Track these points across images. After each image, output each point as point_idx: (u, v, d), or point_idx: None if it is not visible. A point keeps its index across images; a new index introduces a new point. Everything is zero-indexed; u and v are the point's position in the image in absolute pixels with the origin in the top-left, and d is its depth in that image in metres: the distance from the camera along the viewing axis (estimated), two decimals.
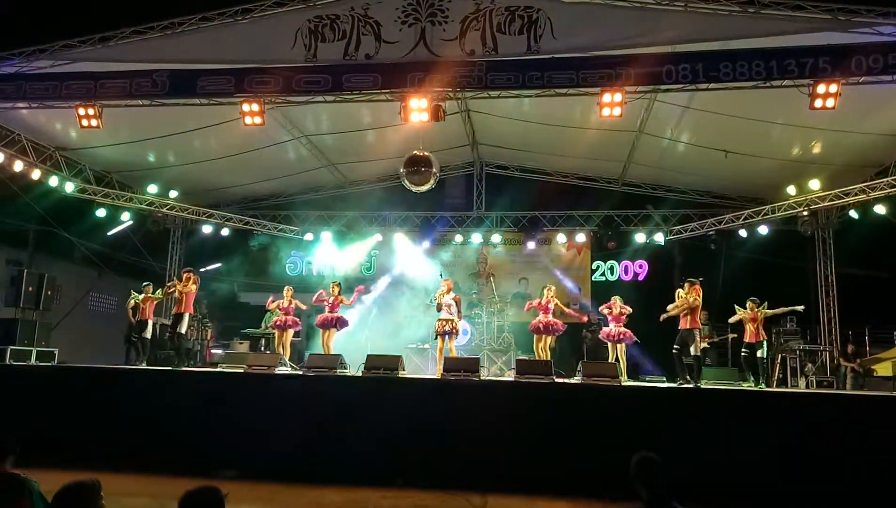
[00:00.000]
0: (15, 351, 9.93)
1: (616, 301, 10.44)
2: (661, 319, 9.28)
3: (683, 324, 8.96)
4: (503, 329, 13.05)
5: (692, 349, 8.90)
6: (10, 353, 9.80)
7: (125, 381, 8.54)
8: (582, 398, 7.62)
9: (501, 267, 14.68)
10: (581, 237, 14.16)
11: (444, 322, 9.56)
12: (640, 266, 14.10)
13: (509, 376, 10.56)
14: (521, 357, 10.44)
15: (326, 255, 15.21)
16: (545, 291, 10.25)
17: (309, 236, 14.91)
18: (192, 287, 10.08)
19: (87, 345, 13.34)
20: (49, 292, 11.24)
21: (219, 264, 15.30)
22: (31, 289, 10.94)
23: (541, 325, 9.99)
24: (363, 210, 14.86)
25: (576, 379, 8.55)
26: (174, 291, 10.17)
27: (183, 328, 10.10)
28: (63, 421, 8.01)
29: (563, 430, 7.29)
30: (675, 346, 9.07)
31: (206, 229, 14.28)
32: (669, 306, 9.19)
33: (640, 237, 13.80)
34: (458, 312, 9.71)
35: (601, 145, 11.92)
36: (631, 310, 10.41)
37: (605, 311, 10.42)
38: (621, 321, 10.30)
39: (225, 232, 14.35)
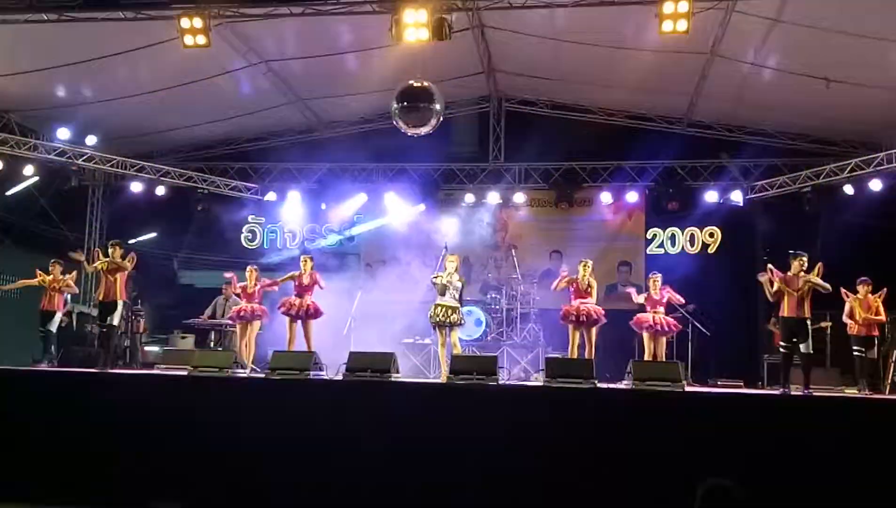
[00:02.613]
0: None
1: (656, 280, 10.42)
2: (773, 324, 9.19)
3: (793, 310, 8.87)
4: (528, 319, 13.09)
5: (803, 346, 8.82)
6: None
7: (32, 387, 8.55)
8: (634, 409, 7.60)
9: (526, 236, 14.73)
10: (633, 196, 14.20)
11: (447, 310, 9.54)
12: (711, 235, 14.11)
13: (537, 379, 10.61)
14: (552, 355, 10.47)
15: (295, 221, 15.19)
16: (582, 267, 10.20)
17: (271, 196, 14.91)
18: (127, 265, 10.07)
19: None
20: None
21: (152, 234, 15.32)
22: None
23: (577, 312, 9.95)
24: (343, 162, 14.83)
25: (624, 384, 8.55)
26: (98, 268, 10.15)
27: (115, 320, 10.13)
28: None
29: (609, 452, 7.28)
30: (783, 343, 9.01)
31: (136, 188, 14.29)
32: (772, 285, 9.02)
33: (710, 196, 13.76)
34: (461, 297, 9.68)
35: (660, 73, 11.82)
36: (680, 299, 10.38)
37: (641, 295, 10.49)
38: (661, 305, 10.29)
39: (160, 191, 14.37)
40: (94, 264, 10.35)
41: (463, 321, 9.74)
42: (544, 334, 12.77)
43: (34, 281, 10.63)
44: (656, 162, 14.14)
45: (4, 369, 9.20)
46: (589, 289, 10.09)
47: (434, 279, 9.70)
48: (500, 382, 8.34)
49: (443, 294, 9.58)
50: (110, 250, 10.26)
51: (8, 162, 12.84)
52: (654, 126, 14.04)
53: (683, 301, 10.62)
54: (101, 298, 10.23)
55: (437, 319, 9.56)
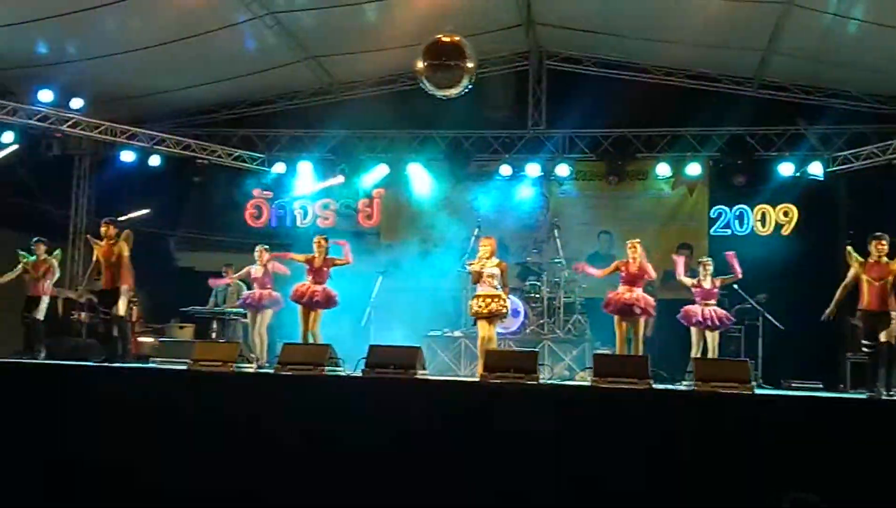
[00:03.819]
0: None
1: (706, 265, 10.33)
2: (828, 314, 9.07)
3: (875, 302, 8.76)
4: (573, 309, 13.07)
5: (883, 335, 8.66)
6: None
7: (14, 381, 8.69)
8: (696, 414, 7.53)
9: (571, 214, 14.63)
10: (694, 169, 14.13)
11: (486, 300, 9.55)
12: (786, 213, 14.01)
13: (583, 378, 10.57)
14: (600, 351, 10.43)
15: (306, 195, 15.25)
16: (630, 249, 10.14)
17: (279, 168, 14.97)
18: (124, 247, 10.11)
19: None
20: None
21: (145, 211, 15.43)
22: None
23: (618, 301, 9.85)
24: (360, 128, 14.85)
25: (684, 385, 8.48)
26: (100, 251, 10.22)
27: (121, 309, 10.19)
28: None
29: (667, 461, 7.23)
30: (864, 341, 8.88)
31: (127, 157, 14.41)
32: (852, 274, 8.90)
33: (785, 169, 13.63)
34: (504, 284, 9.70)
35: (728, 25, 11.71)
36: (733, 279, 10.22)
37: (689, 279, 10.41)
38: (713, 295, 10.14)
39: (154, 161, 14.48)
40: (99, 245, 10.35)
41: (505, 311, 9.73)
42: (592, 326, 12.72)
43: (16, 273, 10.64)
44: (722, 129, 14.06)
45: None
46: (640, 274, 10.01)
47: (467, 267, 9.71)
48: (541, 381, 8.30)
49: (477, 282, 9.63)
50: (102, 229, 10.32)
51: None
52: (720, 88, 13.91)
53: (739, 274, 10.42)
54: (105, 284, 10.25)
55: (475, 309, 9.61)
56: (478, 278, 9.61)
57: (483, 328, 9.60)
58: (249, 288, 11.12)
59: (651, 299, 10.08)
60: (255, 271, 10.86)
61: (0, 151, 13.58)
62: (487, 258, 9.65)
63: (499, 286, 9.60)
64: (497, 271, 9.62)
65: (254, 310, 10.74)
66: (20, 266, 10.62)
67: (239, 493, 7.60)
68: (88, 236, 10.96)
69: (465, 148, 14.74)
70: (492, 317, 9.56)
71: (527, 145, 14.60)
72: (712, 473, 7.08)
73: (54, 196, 14.93)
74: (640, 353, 9.59)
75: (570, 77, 14.36)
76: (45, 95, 13.16)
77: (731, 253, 10.44)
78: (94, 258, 10.41)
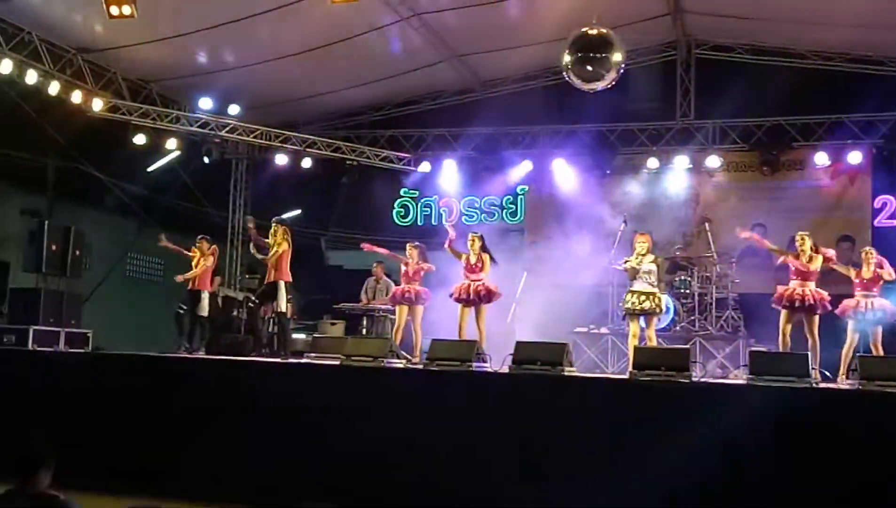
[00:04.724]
0: (39, 332, 10.98)
1: (869, 254, 9.75)
2: None
3: None
4: (726, 305, 12.81)
5: None
6: (33, 335, 10.85)
7: (182, 375, 9.17)
8: (862, 415, 7.18)
9: (722, 208, 14.41)
10: (856, 157, 13.68)
11: (641, 297, 9.47)
12: None
13: (736, 377, 10.25)
14: (756, 348, 10.10)
15: (451, 193, 15.41)
16: (800, 241, 9.67)
17: (425, 167, 15.19)
18: (284, 244, 10.45)
19: (126, 323, 14.57)
20: (77, 252, 12.31)
21: (297, 211, 15.94)
22: (54, 248, 11.99)
23: (793, 297, 9.48)
24: (504, 125, 14.93)
25: (847, 383, 8.20)
26: (266, 248, 10.58)
27: (282, 305, 10.52)
28: (106, 429, 8.74)
29: (833, 468, 6.92)
30: None
31: (280, 160, 15.00)
32: None
33: None
34: (660, 280, 9.65)
35: (891, 4, 11.20)
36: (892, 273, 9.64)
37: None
38: (874, 287, 9.59)
39: (306, 163, 15.02)
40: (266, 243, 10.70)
41: (659, 311, 9.64)
42: (746, 323, 12.45)
43: (199, 270, 11.18)
44: (886, 115, 13.54)
45: (164, 356, 10.03)
46: (811, 267, 9.57)
47: (623, 264, 9.66)
48: (694, 379, 8.07)
49: (634, 280, 9.55)
50: (273, 229, 10.62)
51: (150, 135, 13.78)
52: (885, 71, 13.29)
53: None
54: (268, 278, 10.59)
55: (628, 306, 9.55)
56: (634, 274, 9.53)
57: (636, 326, 9.53)
58: (397, 285, 11.32)
59: (826, 296, 9.57)
60: (407, 266, 11.02)
61: (164, 157, 14.41)
62: (644, 255, 9.58)
63: (655, 284, 9.52)
64: (654, 267, 9.54)
65: (408, 304, 10.85)
66: (193, 258, 11.17)
67: (394, 485, 7.77)
68: (251, 225, 11.26)
69: (610, 141, 14.66)
70: (646, 315, 9.49)
71: (675, 137, 14.43)
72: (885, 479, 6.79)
73: (213, 198, 15.75)
74: (817, 351, 9.16)
75: (720, 65, 14.11)
76: (205, 103, 13.89)
77: None
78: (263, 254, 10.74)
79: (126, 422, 8.73)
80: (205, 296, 11.20)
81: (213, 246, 11.48)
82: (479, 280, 10.26)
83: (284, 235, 10.50)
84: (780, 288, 9.67)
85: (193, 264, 11.18)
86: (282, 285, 10.47)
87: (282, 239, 10.44)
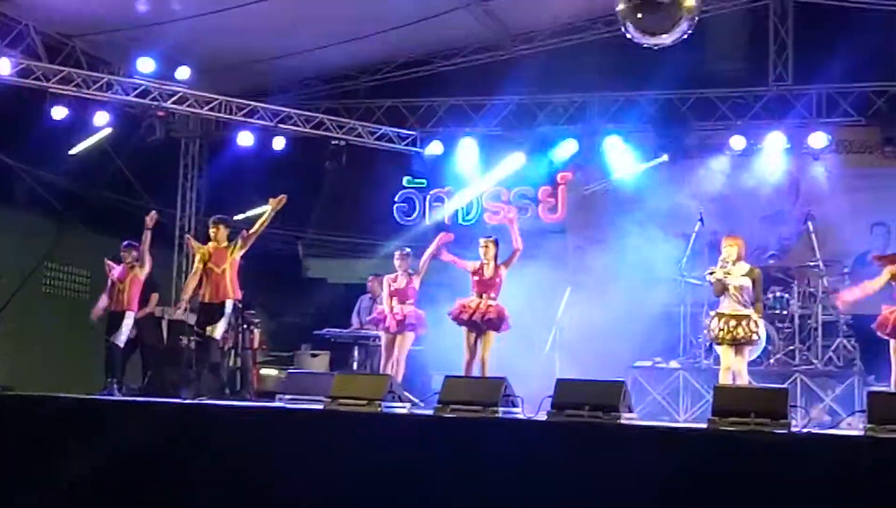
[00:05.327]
0: None
1: None
2: None
3: None
4: (835, 330, 12.78)
5: None
6: None
7: (114, 422, 9.14)
8: None
9: (831, 200, 14.35)
10: None
11: (732, 321, 9.48)
12: None
13: (850, 426, 10.16)
14: (875, 388, 10.15)
15: (470, 182, 15.35)
16: None
17: (435, 147, 15.16)
18: (237, 252, 10.58)
19: (42, 354, 14.49)
20: None
21: (266, 208, 15.90)
22: None
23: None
24: (540, 93, 14.89)
25: None
26: (201, 257, 10.62)
27: (219, 330, 10.61)
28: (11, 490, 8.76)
29: None
30: None
31: (244, 140, 14.94)
32: None
33: None
34: (758, 299, 9.65)
35: None
36: None
37: None
38: None
39: (278, 144, 15.00)
40: (199, 250, 10.79)
41: (755, 337, 9.58)
42: (862, 355, 12.42)
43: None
44: None
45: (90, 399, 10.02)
46: None
47: (707, 276, 9.71)
48: (794, 429, 8.01)
49: (721, 296, 9.59)
50: (212, 231, 10.72)
51: (73, 107, 13.60)
52: None
53: None
54: (206, 298, 10.65)
55: (715, 333, 9.57)
56: (721, 290, 9.57)
57: (726, 358, 9.56)
58: None
59: None
60: (394, 281, 11.11)
61: (92, 136, 14.29)
62: (733, 264, 9.57)
63: (749, 303, 9.55)
64: (747, 281, 9.59)
65: (393, 333, 10.93)
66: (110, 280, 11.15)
67: None
68: (189, 237, 11.28)
69: (681, 113, 14.70)
70: (738, 344, 9.46)
71: (767, 108, 14.51)
72: None
73: (156, 191, 15.59)
74: None
75: (828, 14, 14.11)
76: (145, 65, 13.70)
77: None
78: (196, 266, 10.77)
79: (38, 481, 8.71)
80: (128, 319, 11.12)
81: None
82: (493, 300, 10.45)
83: (241, 242, 10.59)
84: (886, 309, 9.78)
85: (197, 264, 10.95)
86: (228, 304, 10.57)
87: (234, 247, 10.54)
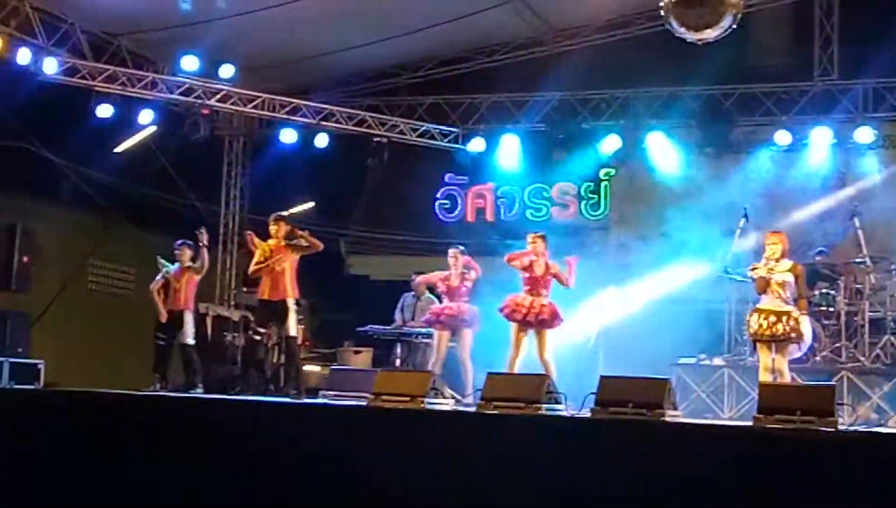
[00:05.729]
0: None
1: None
2: None
3: None
4: (883, 327, 12.70)
5: None
6: None
7: (160, 419, 9.19)
8: None
9: (878, 196, 14.26)
10: None
11: (772, 318, 9.42)
12: None
13: None
14: None
15: (512, 179, 15.34)
16: None
17: (477, 144, 15.14)
18: (290, 251, 10.55)
19: (87, 351, 14.60)
20: (26, 259, 12.40)
21: (308, 204, 15.91)
22: None
23: None
24: (582, 89, 14.93)
25: None
26: (262, 253, 10.62)
27: (292, 329, 10.66)
28: (56, 485, 8.80)
29: None
30: None
31: (287, 137, 15.03)
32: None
33: None
34: (801, 295, 9.55)
35: None
36: None
37: None
38: None
39: (321, 141, 15.05)
40: (260, 247, 10.74)
41: (795, 335, 9.49)
42: None
43: (157, 284, 11.24)
44: None
45: (140, 395, 10.02)
46: None
47: (750, 272, 9.65)
48: (841, 427, 7.94)
49: (763, 293, 9.51)
50: (273, 228, 10.70)
51: (118, 105, 13.75)
52: None
53: None
54: (265, 295, 10.69)
55: (754, 329, 9.53)
56: (764, 286, 9.49)
57: (767, 356, 9.49)
58: (440, 301, 11.31)
59: None
60: (450, 276, 11.03)
61: (137, 134, 14.39)
62: (776, 260, 9.49)
63: (791, 300, 9.48)
64: (790, 277, 9.49)
65: (446, 329, 10.90)
66: (160, 277, 11.21)
67: None
68: (251, 233, 11.25)
69: (725, 109, 14.64)
70: (778, 341, 9.39)
71: (812, 103, 14.46)
72: None
73: (201, 188, 15.74)
74: None
75: (873, 8, 14.07)
76: (190, 63, 13.85)
77: None
78: (256, 262, 10.76)
79: (84, 477, 8.78)
80: (189, 318, 11.20)
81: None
82: (545, 299, 10.42)
83: (302, 242, 10.56)
84: None
85: (257, 259, 10.90)
86: (290, 302, 10.50)
87: (291, 240, 10.51)
